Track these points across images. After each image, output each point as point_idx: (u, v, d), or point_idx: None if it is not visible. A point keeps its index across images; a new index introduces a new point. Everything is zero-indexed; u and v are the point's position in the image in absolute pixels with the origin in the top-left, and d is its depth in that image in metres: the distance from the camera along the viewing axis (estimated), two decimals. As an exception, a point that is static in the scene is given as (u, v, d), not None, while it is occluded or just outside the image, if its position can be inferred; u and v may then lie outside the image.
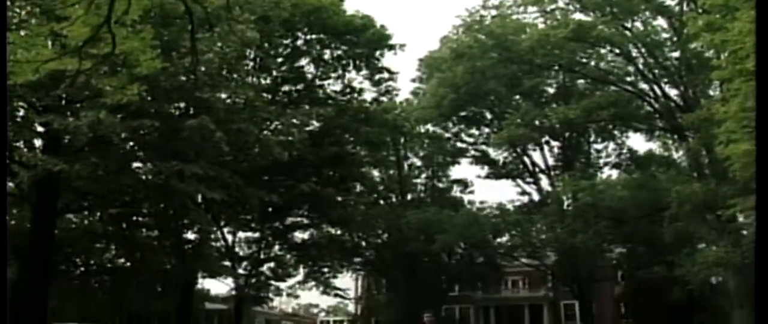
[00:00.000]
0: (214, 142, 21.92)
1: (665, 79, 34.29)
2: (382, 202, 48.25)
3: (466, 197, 51.48)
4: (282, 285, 49.39)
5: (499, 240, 46.49)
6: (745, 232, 27.70)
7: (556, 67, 38.95)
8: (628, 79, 36.29)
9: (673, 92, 34.30)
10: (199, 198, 25.74)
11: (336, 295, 52.13)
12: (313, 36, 35.31)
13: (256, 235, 42.84)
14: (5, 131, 16.62)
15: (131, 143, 23.07)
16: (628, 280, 46.93)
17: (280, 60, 34.58)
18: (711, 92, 32.39)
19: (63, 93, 20.26)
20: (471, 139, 48.20)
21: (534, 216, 42.99)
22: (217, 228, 35.05)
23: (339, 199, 36.00)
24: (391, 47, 36.82)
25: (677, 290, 33.92)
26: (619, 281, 50.41)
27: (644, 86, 35.45)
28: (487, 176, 48.60)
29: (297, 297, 55.95)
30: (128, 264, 30.78)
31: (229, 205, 27.43)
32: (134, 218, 27.78)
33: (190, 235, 29.71)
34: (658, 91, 34.61)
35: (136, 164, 24.39)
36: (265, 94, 29.73)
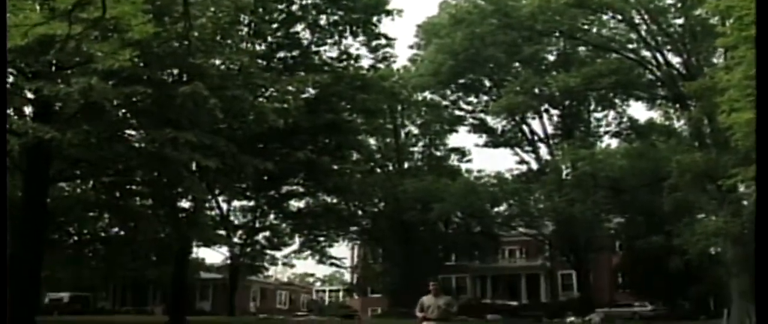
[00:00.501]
0: (208, 109, 21.66)
1: (668, 47, 34.01)
2: (378, 170, 48.22)
3: (464, 166, 51.93)
4: (277, 254, 49.65)
5: (496, 209, 46.85)
6: (745, 202, 27.70)
7: (557, 34, 38.61)
8: (630, 46, 36.01)
9: (675, 60, 34.07)
10: (194, 166, 25.38)
11: (332, 265, 52.79)
12: (309, 1, 34.87)
13: (251, 203, 43.02)
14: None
15: (124, 110, 22.77)
16: (626, 250, 47.06)
17: (275, 25, 34.11)
18: (714, 60, 32.20)
19: (53, 58, 20.01)
20: (469, 107, 48.19)
21: (532, 185, 43.14)
22: (211, 196, 34.96)
23: (335, 167, 35.75)
24: (389, 13, 36.37)
25: (675, 260, 34.07)
26: (617, 251, 50.58)
27: (646, 54, 35.20)
28: (485, 145, 48.70)
29: (292, 266, 56.36)
30: (122, 233, 30.74)
31: (224, 173, 27.04)
32: (128, 186, 27.56)
33: (185, 204, 29.56)
34: (661, 59, 34.37)
35: (129, 132, 24.12)
36: (259, 61, 29.39)
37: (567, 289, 53.34)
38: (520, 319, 40.43)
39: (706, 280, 37.77)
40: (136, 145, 23.55)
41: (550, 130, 46.96)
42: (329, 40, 36.40)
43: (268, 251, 48.54)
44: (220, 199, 41.38)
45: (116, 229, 31.38)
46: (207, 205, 33.85)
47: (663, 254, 35.56)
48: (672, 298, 41.99)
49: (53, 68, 21.20)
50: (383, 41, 38.27)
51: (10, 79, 21.14)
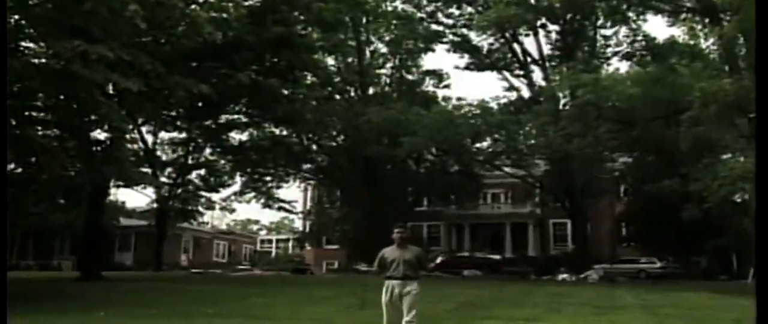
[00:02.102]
0: (126, 18, 20.71)
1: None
2: (337, 96, 48.03)
3: (441, 92, 51.93)
4: (214, 197, 49.80)
5: (478, 145, 46.66)
6: (782, 140, 27.45)
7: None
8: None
9: (710, -40, 33.40)
10: (110, 88, 25.14)
11: (280, 209, 52.69)
12: None
13: (183, 135, 42.87)
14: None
15: (16, 16, 21.63)
16: (633, 195, 47.59)
17: None
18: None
19: None
20: (449, 21, 47.66)
21: (522, 116, 42.99)
22: (133, 126, 34.48)
23: (285, 91, 35.48)
24: None
25: (692, 208, 34.04)
26: (622, 197, 51.23)
27: (672, -47, 34.58)
28: (468, 67, 48.42)
29: (233, 211, 56.13)
30: (20, 170, 29.79)
31: (149, 97, 26.82)
32: (26, 113, 26.56)
33: (100, 135, 29.15)
34: (690, -40, 33.76)
35: (25, 44, 23.06)
36: (192, -43, 28.35)
37: (560, 240, 54.28)
38: (504, 275, 40.54)
39: (729, 233, 37.96)
40: (36, 60, 22.42)
41: (546, 50, 46.79)
42: (277, -67, 35.18)
43: (204, 193, 48.62)
44: (145, 129, 41.27)
45: (12, 166, 30.34)
46: (128, 136, 32.98)
47: (677, 201, 35.57)
48: (686, 253, 42.41)
49: None
50: (344, -66, 37.20)
51: None
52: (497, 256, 49.27)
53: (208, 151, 45.34)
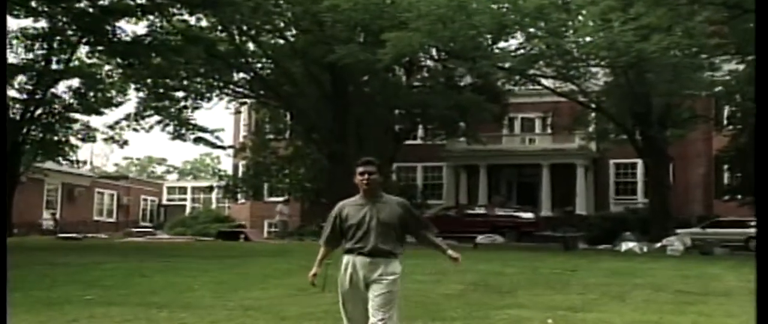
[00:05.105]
0: None
1: None
2: None
3: None
4: (95, 121, 49.15)
5: (503, 44, 46.28)
6: None
7: None
8: None
9: None
10: None
11: (199, 142, 53.45)
12: None
13: (42, 24, 42.52)
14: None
15: None
16: (742, 123, 46.83)
17: None
18: None
19: None
20: None
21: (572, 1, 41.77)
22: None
23: None
24: None
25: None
26: (724, 126, 50.69)
27: None
28: None
29: (125, 144, 55.06)
30: None
31: None
32: None
33: None
34: None
35: None
36: None
37: (625, 192, 55.28)
38: (538, 242, 41.22)
39: None
40: None
41: None
42: None
43: (78, 116, 48.53)
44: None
45: None
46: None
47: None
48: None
49: None
50: None
51: None
52: (529, 215, 49.51)
53: (84, 50, 44.76)
